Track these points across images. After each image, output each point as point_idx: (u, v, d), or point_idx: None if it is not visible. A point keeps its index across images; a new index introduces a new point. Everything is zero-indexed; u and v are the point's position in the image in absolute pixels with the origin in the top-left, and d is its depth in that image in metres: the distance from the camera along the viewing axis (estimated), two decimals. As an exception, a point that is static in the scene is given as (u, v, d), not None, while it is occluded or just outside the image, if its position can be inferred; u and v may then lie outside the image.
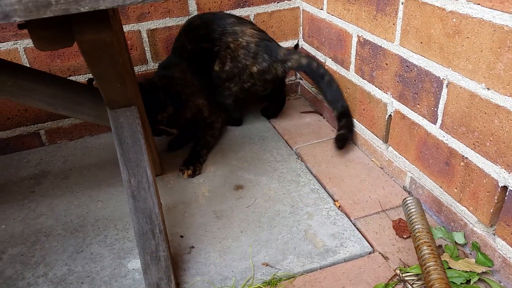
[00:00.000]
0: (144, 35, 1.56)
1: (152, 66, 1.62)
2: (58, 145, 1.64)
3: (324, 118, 1.66)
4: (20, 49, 1.46)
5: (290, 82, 1.83)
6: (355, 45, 1.36)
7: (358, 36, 1.34)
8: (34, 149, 1.62)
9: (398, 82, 1.20)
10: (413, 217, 0.97)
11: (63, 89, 0.97)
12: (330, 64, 1.54)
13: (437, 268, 0.85)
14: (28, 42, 1.46)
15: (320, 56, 1.60)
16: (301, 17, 1.69)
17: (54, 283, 1.06)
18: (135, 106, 0.99)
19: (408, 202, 1.01)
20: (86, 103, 0.98)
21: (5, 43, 1.44)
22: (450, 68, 1.00)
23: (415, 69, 1.12)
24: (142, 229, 0.97)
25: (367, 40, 1.29)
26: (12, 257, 1.14)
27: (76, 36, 0.73)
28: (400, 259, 1.05)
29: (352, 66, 1.40)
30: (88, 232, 1.20)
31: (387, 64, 1.23)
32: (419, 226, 0.94)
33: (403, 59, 1.16)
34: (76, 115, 0.98)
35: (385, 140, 1.32)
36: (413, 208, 0.99)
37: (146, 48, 1.58)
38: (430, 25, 1.03)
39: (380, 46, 1.24)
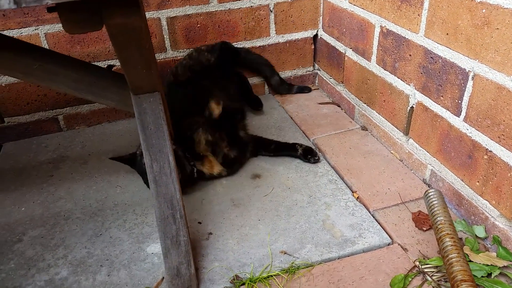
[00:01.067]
0: (164, 22, 1.55)
1: (171, 54, 1.62)
2: (76, 130, 1.65)
3: (342, 109, 1.65)
4: (41, 34, 1.47)
5: (307, 72, 1.82)
6: (378, 35, 1.34)
7: (381, 26, 1.32)
8: (53, 134, 1.64)
9: (421, 73, 1.18)
10: (435, 209, 0.96)
11: (88, 74, 0.97)
12: (350, 54, 1.53)
13: (459, 260, 0.84)
14: (49, 28, 1.47)
15: (340, 46, 1.59)
16: (322, 7, 1.67)
17: (73, 265, 1.07)
18: (158, 92, 0.99)
19: (430, 194, 1.00)
20: (110, 88, 0.99)
21: (27, 29, 1.45)
22: (477, 60, 0.99)
23: (440, 61, 1.10)
24: (163, 213, 0.97)
25: (390, 30, 1.28)
26: (32, 238, 1.16)
27: (105, 19, 0.73)
28: (419, 251, 1.05)
29: (373, 57, 1.39)
30: (107, 216, 1.21)
31: (410, 55, 1.21)
32: (442, 218, 0.94)
33: (428, 50, 1.14)
34: (99, 100, 0.99)
35: (406, 132, 1.31)
36: (435, 200, 0.98)
37: (165, 36, 1.58)
38: (458, 16, 1.02)
39: (404, 37, 1.22)
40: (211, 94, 1.37)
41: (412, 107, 1.26)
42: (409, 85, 1.25)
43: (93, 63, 1.56)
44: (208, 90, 1.43)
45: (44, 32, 1.47)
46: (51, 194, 1.32)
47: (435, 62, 1.12)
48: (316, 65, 1.81)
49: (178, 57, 1.63)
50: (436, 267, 1.00)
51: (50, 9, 0.72)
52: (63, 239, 1.15)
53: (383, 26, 1.31)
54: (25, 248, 1.13)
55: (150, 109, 0.98)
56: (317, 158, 1.37)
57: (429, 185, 1.24)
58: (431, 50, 1.13)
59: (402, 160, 1.34)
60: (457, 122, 1.09)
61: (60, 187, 1.34)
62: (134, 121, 1.71)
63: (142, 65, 0.86)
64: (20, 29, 1.44)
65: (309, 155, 1.37)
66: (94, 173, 1.40)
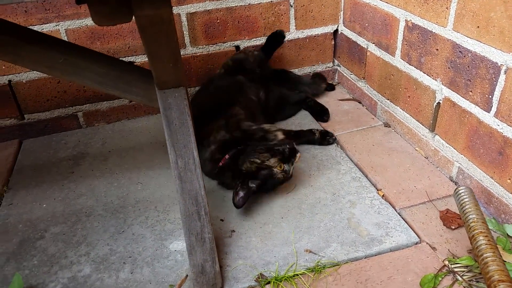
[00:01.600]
0: (184, 18, 1.54)
1: (190, 50, 1.60)
2: (96, 127, 1.65)
3: (363, 105, 1.62)
4: (61, 30, 1.47)
5: (327, 69, 1.79)
6: (403, 30, 1.31)
7: (406, 20, 1.29)
8: (72, 131, 1.63)
9: (449, 68, 1.15)
10: (466, 207, 0.93)
11: (113, 68, 0.96)
12: (373, 49, 1.50)
13: (495, 260, 0.81)
14: (69, 24, 1.46)
15: (361, 41, 1.56)
16: (343, 2, 1.64)
17: (96, 262, 1.06)
18: (183, 87, 0.97)
19: (460, 191, 0.97)
20: (135, 83, 0.97)
21: (48, 25, 1.45)
22: (511, 53, 0.95)
23: (469, 55, 1.07)
24: (188, 210, 0.96)
25: (416, 24, 1.25)
26: (54, 235, 1.15)
27: (135, 11, 0.72)
28: (448, 250, 1.02)
29: (398, 52, 1.36)
30: (129, 213, 1.20)
31: (437, 49, 1.18)
32: (474, 216, 0.91)
33: (456, 44, 1.11)
34: (124, 95, 0.97)
35: (432, 129, 1.27)
36: (466, 198, 0.95)
37: (185, 32, 1.57)
38: (490, 7, 0.98)
39: (431, 31, 1.19)
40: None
41: (438, 103, 1.23)
42: (435, 80, 1.22)
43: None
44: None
45: (65, 28, 1.47)
46: (72, 191, 1.32)
47: (464, 56, 1.09)
48: (336, 61, 1.79)
49: (198, 54, 1.61)
50: (467, 266, 0.97)
51: (79, 1, 0.71)
52: (85, 236, 1.14)
53: (408, 20, 1.28)
54: (48, 245, 1.12)
55: (175, 104, 0.96)
56: (334, 138, 1.43)
57: (456, 183, 1.21)
58: (460, 44, 1.10)
59: (427, 157, 1.31)
60: (487, 117, 1.06)
61: (81, 184, 1.34)
62: (153, 118, 1.71)
63: (169, 59, 0.84)
64: (41, 25, 1.44)
65: (327, 136, 1.42)
66: (115, 170, 1.39)
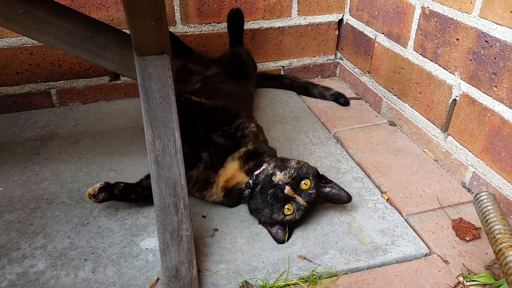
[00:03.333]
0: (176, -9, 1.39)
1: (181, 29, 1.45)
2: (70, 107, 1.48)
3: (366, 102, 1.49)
4: (36, -6, 1.31)
5: (328, 61, 1.66)
6: (418, 18, 1.18)
7: (422, 7, 1.16)
8: (43, 110, 1.47)
9: (470, 60, 1.03)
10: (490, 216, 0.80)
11: (85, 28, 0.81)
12: (381, 40, 1.37)
13: (529, 280, 0.68)
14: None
15: (369, 31, 1.43)
16: (350, -12, 1.52)
17: (53, 257, 0.90)
18: (167, 54, 0.82)
19: (482, 198, 0.84)
20: (110, 47, 0.82)
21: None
22: (550, 42, 0.83)
23: (497, 45, 0.94)
24: (164, 201, 0.81)
25: (434, 11, 1.12)
26: (7, 223, 0.99)
27: None
28: (463, 264, 0.89)
29: (410, 42, 1.23)
30: (96, 203, 1.04)
31: (458, 39, 1.05)
32: (500, 226, 0.77)
33: (482, 32, 0.98)
34: (96, 60, 0.82)
35: (445, 129, 1.14)
36: (489, 205, 0.82)
37: (175, 8, 1.41)
38: (528, -12, 0.86)
39: (452, 19, 1.07)
40: None
41: (454, 100, 1.10)
42: (453, 74, 1.09)
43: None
44: None
45: (40, -7, 1.31)
46: (35, 174, 1.15)
47: (491, 46, 0.96)
48: (338, 53, 1.65)
49: (189, 33, 1.46)
50: (485, 285, 0.84)
51: None
52: (44, 226, 0.98)
53: (425, 6, 1.15)
54: (-2, 233, 0.96)
55: (156, 75, 0.81)
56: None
57: (469, 189, 1.08)
58: (487, 32, 0.97)
59: (437, 160, 1.18)
60: (513, 117, 0.93)
61: (45, 167, 1.18)
62: (135, 101, 1.55)
63: (151, 14, 0.69)
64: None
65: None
66: (86, 154, 1.23)
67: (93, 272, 0.87)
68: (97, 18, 1.36)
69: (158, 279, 0.85)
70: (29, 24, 0.77)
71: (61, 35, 0.79)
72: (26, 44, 1.36)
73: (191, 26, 1.46)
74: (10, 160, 1.21)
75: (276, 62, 1.60)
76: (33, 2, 0.78)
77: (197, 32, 1.47)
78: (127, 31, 1.42)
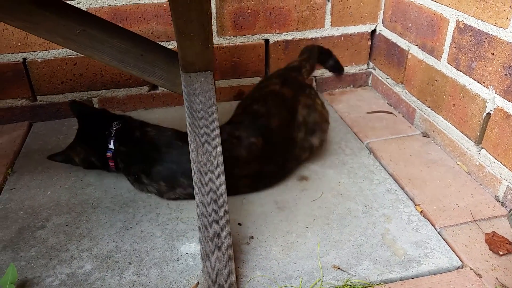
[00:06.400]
0: (213, 5, 1.44)
1: (216, 41, 1.50)
2: (110, 115, 1.56)
3: (399, 113, 1.50)
4: (83, 9, 1.38)
5: (361, 71, 1.68)
6: (452, 31, 1.19)
7: (457, 21, 1.17)
8: (86, 117, 1.54)
9: (506, 75, 1.03)
10: (526, 232, 0.81)
11: (135, 45, 0.86)
12: (414, 52, 1.38)
13: None
14: (91, 2, 1.37)
15: (403, 43, 1.44)
16: (384, 0, 1.53)
17: (99, 259, 0.96)
18: (211, 71, 0.87)
19: (518, 213, 0.85)
20: (158, 64, 0.87)
21: (69, 2, 1.36)
22: None
23: (534, 60, 0.95)
24: (205, 210, 0.85)
25: (469, 26, 1.13)
26: (56, 226, 1.06)
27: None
28: (497, 278, 0.89)
29: (444, 55, 1.24)
30: (139, 208, 1.10)
31: (493, 54, 1.06)
32: (536, 243, 0.78)
33: (518, 48, 0.99)
34: (145, 76, 0.87)
35: (478, 142, 1.15)
36: (525, 222, 0.83)
37: (213, 21, 1.47)
38: None
39: (487, 33, 1.07)
40: None
41: (488, 113, 1.10)
42: (487, 88, 1.09)
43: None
44: None
45: (86, 7, 1.38)
46: (80, 179, 1.22)
47: (527, 62, 0.97)
48: (371, 63, 1.67)
49: (224, 45, 1.51)
50: (519, 300, 0.84)
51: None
52: (90, 229, 1.04)
53: (459, 20, 1.16)
54: (48, 235, 1.02)
55: (200, 90, 0.86)
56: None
57: (502, 203, 1.08)
58: (523, 47, 0.98)
59: (470, 173, 1.18)
60: (550, 132, 0.93)
61: (89, 173, 1.24)
62: (172, 110, 1.61)
63: (199, 35, 0.74)
64: (61, 2, 1.35)
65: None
66: (127, 161, 1.29)
67: (137, 274, 0.92)
68: (137, 31, 1.43)
69: (198, 283, 0.89)
70: (85, 43, 0.83)
71: (114, 53, 0.85)
72: (71, 55, 1.44)
73: (226, 38, 1.51)
74: (55, 166, 1.28)
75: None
76: (89, 22, 0.84)
77: (232, 44, 1.52)
78: (169, 45, 1.49)
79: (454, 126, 1.23)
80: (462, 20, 1.16)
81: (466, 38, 1.15)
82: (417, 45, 1.36)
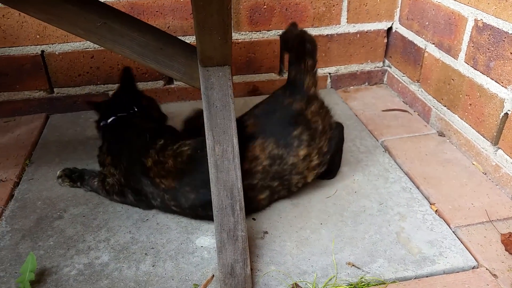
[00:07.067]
0: (229, 0, 1.44)
1: (232, 36, 1.51)
2: (126, 108, 1.57)
3: (415, 111, 1.49)
4: (101, 2, 1.39)
5: (376, 68, 1.67)
6: (470, 30, 1.19)
7: (475, 20, 1.16)
8: (101, 110, 1.56)
9: (525, 74, 1.02)
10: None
11: (155, 39, 0.87)
12: (431, 50, 1.37)
13: None
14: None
15: (419, 41, 1.43)
16: (401, -2, 1.53)
17: (115, 250, 0.97)
18: (229, 66, 0.88)
19: (535, 214, 0.84)
20: (177, 58, 0.88)
21: (87, -5, 1.38)
22: None
23: (555, 60, 0.94)
24: (221, 203, 0.86)
25: (488, 24, 1.12)
26: (73, 216, 1.07)
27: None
28: (512, 280, 0.89)
29: (462, 54, 1.23)
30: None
31: (512, 53, 1.05)
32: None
33: (539, 47, 0.98)
34: (164, 69, 0.88)
35: (495, 142, 1.14)
36: (543, 223, 0.82)
37: (228, 16, 1.47)
38: None
39: (506, 32, 1.06)
40: None
41: (506, 114, 1.09)
42: (505, 88, 1.09)
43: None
44: None
45: (104, 0, 1.39)
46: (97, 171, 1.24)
47: (548, 61, 0.96)
48: (386, 61, 1.66)
49: (239, 40, 1.52)
50: (535, 301, 0.84)
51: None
52: (106, 220, 1.06)
53: (478, 19, 1.15)
54: (66, 226, 1.04)
55: (218, 85, 0.87)
56: None
57: (519, 205, 1.08)
58: (544, 47, 0.97)
59: (485, 173, 1.18)
60: None
61: (106, 165, 1.26)
62: (187, 104, 1.62)
63: (218, 30, 0.74)
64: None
65: None
66: (142, 154, 1.30)
67: (153, 266, 0.93)
68: (154, 25, 1.44)
69: (213, 276, 0.90)
70: (106, 36, 0.84)
71: (134, 46, 0.86)
72: (88, 48, 1.46)
73: (241, 34, 1.51)
74: (73, 157, 1.30)
75: (323, 69, 1.63)
76: (110, 15, 0.85)
77: (247, 40, 1.52)
78: (185, 40, 1.50)
79: (470, 125, 1.22)
80: (481, 19, 1.14)
81: (484, 37, 1.14)
82: (433, 44, 1.35)
